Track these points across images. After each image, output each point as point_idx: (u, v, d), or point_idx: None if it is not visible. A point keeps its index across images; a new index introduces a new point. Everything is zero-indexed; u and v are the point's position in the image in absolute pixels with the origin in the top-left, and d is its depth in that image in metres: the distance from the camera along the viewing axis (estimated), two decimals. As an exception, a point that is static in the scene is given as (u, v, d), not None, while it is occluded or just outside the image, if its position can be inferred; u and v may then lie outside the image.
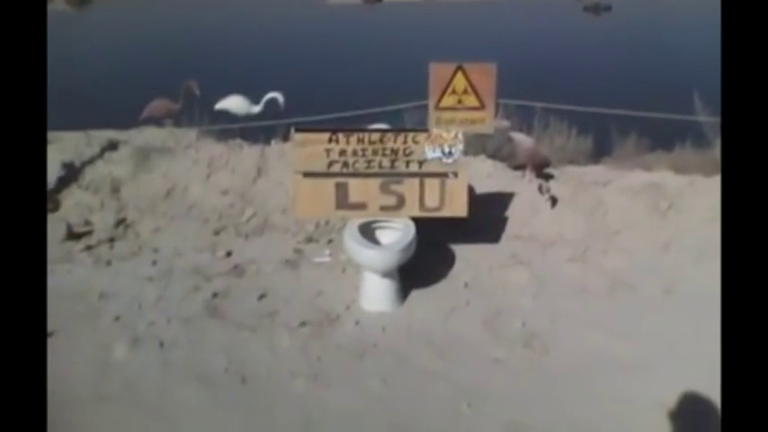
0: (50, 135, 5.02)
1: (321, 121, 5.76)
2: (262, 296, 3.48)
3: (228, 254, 3.93)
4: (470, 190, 3.87)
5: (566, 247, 3.97)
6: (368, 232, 3.49)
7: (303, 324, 3.24)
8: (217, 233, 4.17)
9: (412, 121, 6.27)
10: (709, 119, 5.59)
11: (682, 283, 3.59)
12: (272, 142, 4.93)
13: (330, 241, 4.07)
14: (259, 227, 4.24)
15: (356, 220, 3.49)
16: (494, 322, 3.28)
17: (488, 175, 4.53)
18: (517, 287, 3.59)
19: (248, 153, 4.71)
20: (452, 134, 3.55)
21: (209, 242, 4.06)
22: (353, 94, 8.54)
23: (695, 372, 2.81)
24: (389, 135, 3.53)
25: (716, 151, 5.41)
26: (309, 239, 4.08)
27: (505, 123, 6.27)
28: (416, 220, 3.51)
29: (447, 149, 3.54)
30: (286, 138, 4.89)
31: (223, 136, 5.25)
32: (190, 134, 5.48)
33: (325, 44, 15.25)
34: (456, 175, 3.55)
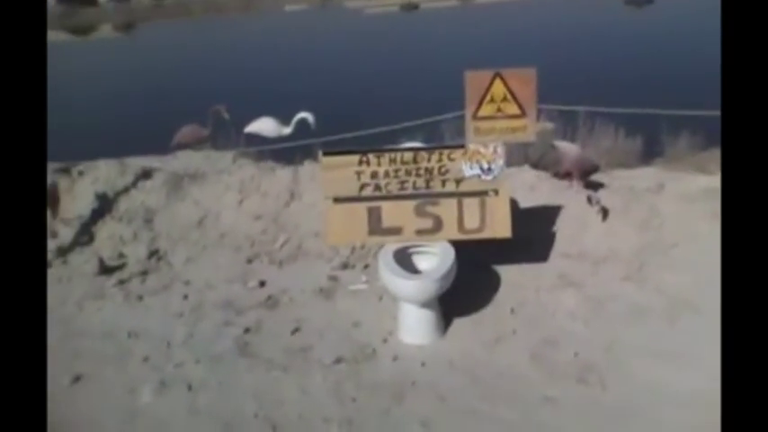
0: (84, 165, 5.00)
1: (355, 138, 5.59)
2: (295, 330, 3.31)
3: (262, 284, 3.78)
4: (513, 205, 3.63)
5: (619, 264, 3.66)
6: (404, 258, 3.28)
7: (338, 361, 3.05)
8: (249, 261, 4.03)
9: (451, 133, 6.06)
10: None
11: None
12: (305, 163, 4.78)
13: (366, 266, 3.88)
14: (293, 253, 4.08)
15: (391, 245, 3.28)
16: (544, 353, 3.01)
17: (532, 188, 4.26)
18: (568, 312, 3.31)
19: (281, 175, 4.56)
20: (491, 149, 3.32)
21: (241, 272, 3.91)
22: (391, 108, 8.36)
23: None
24: (423, 154, 3.32)
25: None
26: (345, 265, 3.89)
27: (549, 126, 6.00)
28: (456, 242, 3.28)
29: (486, 166, 3.31)
30: (317, 158, 4.75)
31: (257, 158, 5.15)
32: (226, 157, 5.40)
33: (360, 56, 15.17)
34: (497, 192, 3.32)
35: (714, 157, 5.30)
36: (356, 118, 7.11)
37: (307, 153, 4.89)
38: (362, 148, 3.39)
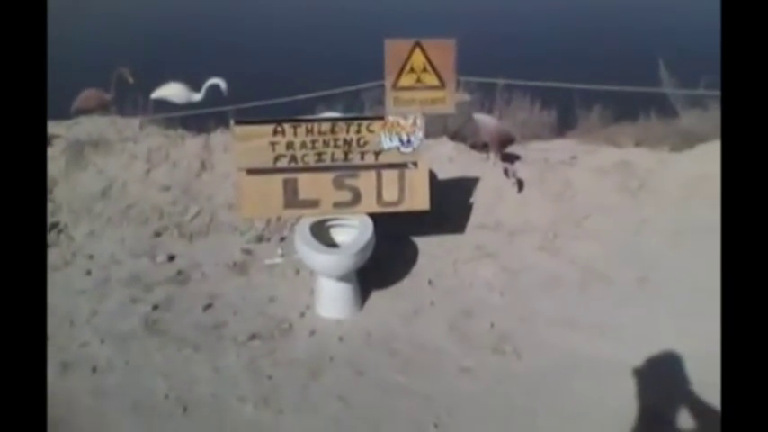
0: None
1: (269, 107, 5.39)
2: (207, 306, 3.18)
3: (171, 258, 3.60)
4: (431, 177, 3.61)
5: (534, 234, 3.74)
6: (322, 231, 3.20)
7: (252, 337, 2.95)
8: (158, 235, 3.83)
9: (371, 102, 5.97)
10: (675, 90, 5.42)
11: (657, 269, 3.39)
12: (217, 131, 4.57)
13: (282, 239, 3.77)
14: (204, 226, 3.91)
15: (308, 218, 3.19)
16: (461, 324, 3.03)
17: (450, 159, 4.26)
18: (484, 282, 3.35)
19: (191, 144, 4.35)
20: (410, 120, 3.26)
21: (149, 246, 3.71)
22: (308, 74, 8.15)
23: (676, 367, 2.63)
24: (341, 124, 3.22)
25: (683, 122, 5.25)
26: (260, 238, 3.77)
27: (466, 98, 6.01)
28: (372, 214, 3.23)
29: (405, 138, 3.25)
30: (230, 127, 4.55)
31: (165, 126, 4.87)
32: (132, 124, 5.09)
33: (275, 18, 14.63)
34: (416, 165, 3.28)
35: (624, 130, 5.48)
36: (270, 84, 6.86)
37: (219, 121, 4.66)
38: (277, 117, 3.25)
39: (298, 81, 6.52)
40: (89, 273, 3.47)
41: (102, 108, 4.67)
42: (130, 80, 4.54)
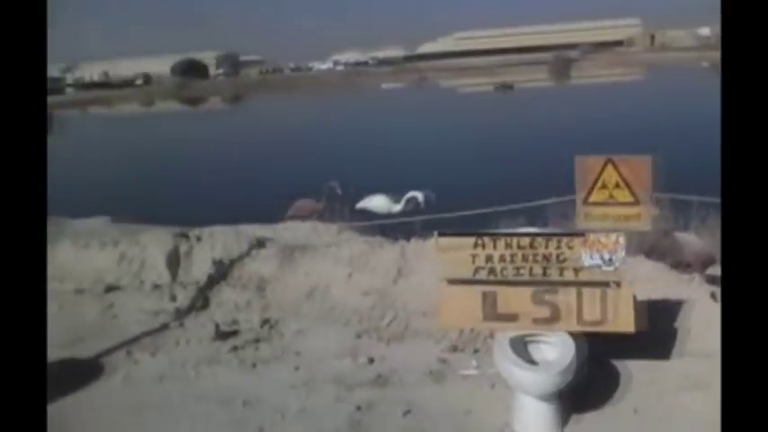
0: (202, 231, 5.29)
1: (460, 219, 5.63)
2: (407, 412, 3.27)
3: (371, 360, 3.79)
4: (635, 300, 3.50)
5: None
6: (519, 346, 3.21)
7: (453, 449, 2.98)
8: (359, 336, 4.07)
9: (554, 217, 5.99)
10: None
11: None
12: (411, 240, 4.85)
13: (476, 351, 3.82)
14: (400, 332, 4.09)
15: (507, 333, 3.23)
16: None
17: (649, 279, 4.10)
18: (694, 416, 3.11)
19: (389, 251, 4.65)
20: (612, 239, 3.24)
21: (350, 346, 3.95)
22: (492, 190, 8.39)
23: None
24: (540, 240, 3.28)
25: None
26: (454, 348, 3.85)
27: (656, 211, 5.83)
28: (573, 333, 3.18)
29: (607, 256, 3.23)
30: (425, 236, 4.81)
31: (361, 232, 5.28)
32: (331, 230, 5.57)
33: (459, 136, 15.38)
34: (618, 284, 3.21)
35: None
36: (456, 197, 7.17)
37: (414, 230, 4.96)
38: (464, 230, 3.39)
39: (485, 196, 6.78)
40: (297, 369, 3.76)
41: (313, 216, 5.19)
42: (339, 192, 5.03)
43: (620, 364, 3.52)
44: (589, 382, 3.29)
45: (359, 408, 3.30)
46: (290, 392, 3.48)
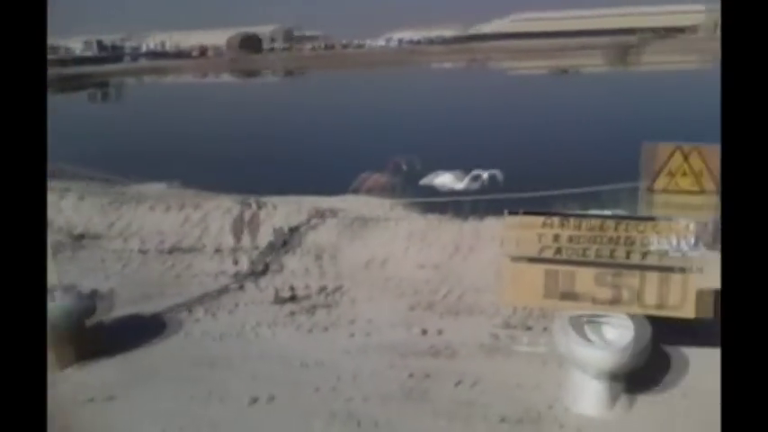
0: (265, 200, 5.42)
1: (522, 200, 5.61)
2: (458, 383, 3.33)
3: (424, 332, 3.85)
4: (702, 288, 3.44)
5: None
6: (578, 325, 3.21)
7: (502, 420, 3.02)
8: (412, 309, 4.13)
9: (612, 203, 5.90)
10: None
11: None
12: (470, 218, 4.87)
13: (528, 328, 3.84)
14: (453, 306, 4.14)
15: (566, 312, 3.24)
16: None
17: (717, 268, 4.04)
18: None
19: (447, 227, 4.69)
20: (683, 225, 3.20)
21: (404, 318, 4.02)
22: (551, 173, 8.30)
23: None
24: (610, 222, 3.26)
25: None
26: (506, 325, 3.88)
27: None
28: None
29: (675, 242, 3.19)
30: (483, 215, 4.82)
31: (424, 209, 5.31)
32: (395, 205, 5.62)
33: (516, 118, 15.24)
34: (683, 270, 3.18)
35: None
36: (514, 179, 7.13)
37: (474, 209, 4.97)
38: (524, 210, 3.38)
39: (534, 177, 6.71)
40: (352, 335, 3.84)
41: (382, 191, 5.26)
42: (404, 168, 5.08)
43: (672, 350, 3.49)
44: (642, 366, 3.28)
45: (411, 375, 3.37)
46: (345, 357, 3.58)
